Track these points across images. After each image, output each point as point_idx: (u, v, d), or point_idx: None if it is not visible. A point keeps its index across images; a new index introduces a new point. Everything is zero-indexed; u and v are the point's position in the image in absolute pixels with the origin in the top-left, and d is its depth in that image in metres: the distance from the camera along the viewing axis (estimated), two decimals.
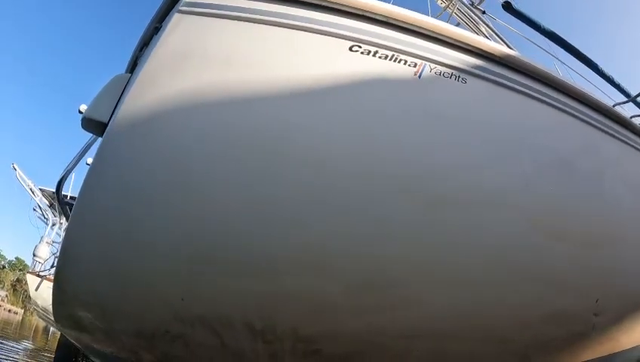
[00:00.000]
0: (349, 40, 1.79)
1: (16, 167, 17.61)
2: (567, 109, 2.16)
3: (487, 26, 3.67)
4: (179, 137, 1.65)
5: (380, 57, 1.78)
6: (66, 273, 1.76)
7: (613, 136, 2.37)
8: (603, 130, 2.31)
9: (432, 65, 1.83)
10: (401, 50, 1.81)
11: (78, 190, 1.79)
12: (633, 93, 3.84)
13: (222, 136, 1.64)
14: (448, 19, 3.69)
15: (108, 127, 1.73)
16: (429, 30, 1.90)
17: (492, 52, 1.99)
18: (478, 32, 3.99)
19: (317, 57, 1.77)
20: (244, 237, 1.61)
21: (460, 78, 1.87)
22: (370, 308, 1.70)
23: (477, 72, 1.93)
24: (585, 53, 3.72)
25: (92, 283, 1.73)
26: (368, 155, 1.67)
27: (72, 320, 1.94)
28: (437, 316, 1.78)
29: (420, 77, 1.78)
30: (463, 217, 1.73)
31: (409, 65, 1.79)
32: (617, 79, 4.07)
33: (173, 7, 1.91)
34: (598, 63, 3.88)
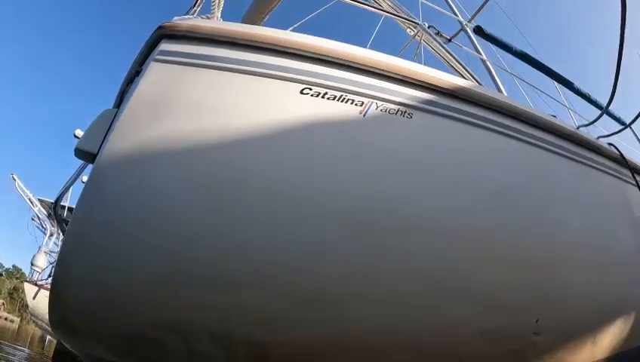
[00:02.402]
0: (301, 83, 1.97)
1: (15, 177, 17.86)
2: (521, 136, 2.27)
3: (453, 56, 3.87)
4: (153, 174, 1.89)
5: (328, 98, 1.96)
6: (62, 282, 1.99)
7: (572, 159, 2.48)
8: (560, 154, 2.42)
9: (379, 103, 1.99)
10: (348, 90, 1.98)
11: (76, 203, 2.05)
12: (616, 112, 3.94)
13: (189, 176, 1.87)
14: (417, 48, 3.89)
15: (96, 160, 1.97)
16: (376, 68, 2.05)
17: (438, 84, 2.12)
18: (451, 62, 4.16)
19: (271, 102, 1.95)
20: (206, 259, 1.83)
21: (406, 114, 2.02)
22: (310, 321, 1.89)
23: (423, 105, 2.07)
24: (558, 71, 3.84)
25: (83, 291, 1.95)
26: (313, 191, 1.85)
27: (66, 325, 2.16)
28: (370, 331, 1.94)
29: (364, 115, 1.95)
30: (396, 242, 1.90)
31: (355, 104, 1.96)
32: (594, 96, 4.17)
33: (150, 53, 2.14)
34: (574, 82, 4.00)
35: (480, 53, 3.89)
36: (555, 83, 3.75)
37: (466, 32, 3.89)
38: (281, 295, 1.86)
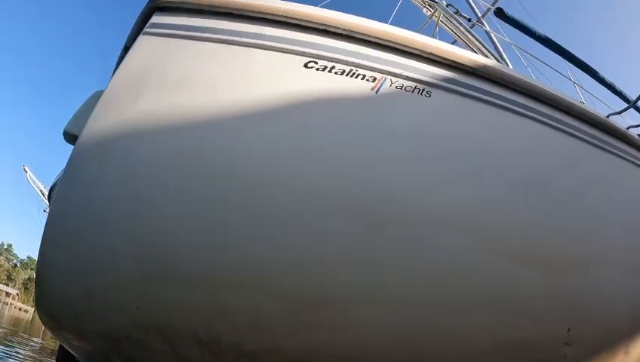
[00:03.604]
0: (305, 56, 1.77)
1: (27, 169, 17.93)
2: (549, 121, 2.06)
3: (475, 36, 3.62)
4: (131, 159, 1.71)
5: (336, 73, 1.75)
6: (43, 274, 1.86)
7: (603, 148, 2.26)
8: (591, 143, 2.20)
9: (393, 79, 1.78)
10: (359, 64, 1.78)
11: None
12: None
13: (171, 160, 1.67)
14: (435, 28, 3.67)
15: (76, 142, 1.79)
16: (391, 41, 1.85)
17: (461, 62, 1.91)
18: (470, 43, 3.94)
19: (271, 75, 1.75)
20: (189, 253, 1.64)
21: (424, 92, 1.80)
22: (308, 327, 1.68)
23: (443, 84, 1.85)
24: (583, 59, 3.62)
25: (64, 286, 1.81)
26: (316, 177, 1.65)
27: (50, 319, 2.05)
28: (377, 340, 1.72)
29: (377, 92, 1.74)
30: (409, 239, 1.67)
31: (367, 80, 1.75)
32: (619, 86, 3.95)
33: (142, 27, 1.96)
34: (598, 70, 3.77)
35: (502, 35, 3.65)
36: (569, 70, 3.48)
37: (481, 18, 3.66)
38: (274, 297, 1.65)
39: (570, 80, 4.02)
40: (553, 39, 3.52)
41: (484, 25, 3.67)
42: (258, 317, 1.66)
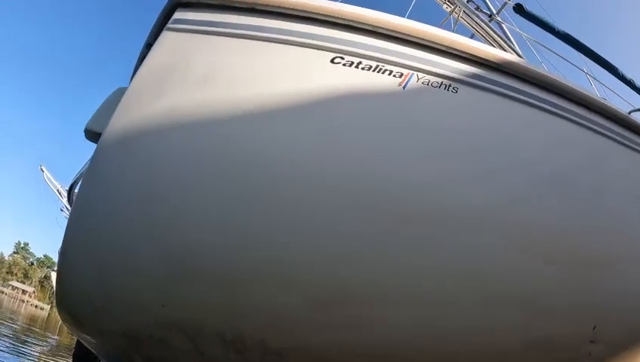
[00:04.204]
0: (332, 51, 1.75)
1: (43, 168, 18.17)
2: (573, 118, 2.03)
3: (495, 31, 3.59)
4: (156, 153, 1.70)
5: (363, 68, 1.73)
6: (64, 272, 1.87)
7: (626, 145, 2.22)
8: (614, 139, 2.17)
9: (420, 75, 1.76)
10: (386, 60, 1.76)
11: None
12: None
13: (194, 157, 1.67)
14: (454, 24, 3.63)
15: (99, 139, 1.79)
16: (418, 37, 1.83)
17: (487, 58, 1.89)
18: (490, 38, 3.90)
19: (297, 71, 1.74)
20: (213, 251, 1.63)
21: (451, 88, 1.79)
22: (333, 325, 1.66)
23: (470, 80, 1.84)
24: (603, 55, 3.56)
25: (84, 283, 1.81)
26: (342, 173, 1.63)
27: (71, 317, 2.06)
28: (401, 338, 1.71)
29: (404, 88, 1.72)
30: (436, 236, 1.66)
31: (394, 75, 1.73)
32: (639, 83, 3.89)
33: (164, 25, 1.95)
34: (618, 67, 3.71)
35: (520, 31, 3.60)
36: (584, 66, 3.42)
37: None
38: (298, 294, 1.63)
39: (591, 76, 3.95)
40: (573, 35, 3.46)
41: (503, 21, 3.61)
42: (282, 315, 1.65)
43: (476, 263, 1.70)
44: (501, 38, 3.60)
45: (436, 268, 1.67)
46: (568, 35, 3.44)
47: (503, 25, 3.29)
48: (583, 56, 3.58)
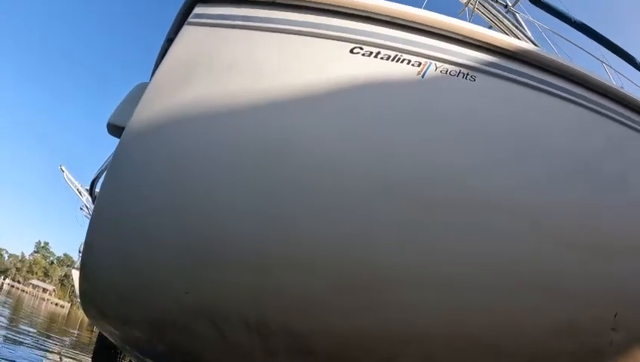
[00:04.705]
0: (350, 42, 1.78)
1: (63, 168, 18.54)
2: (591, 105, 2.03)
3: (511, 21, 3.58)
4: (181, 143, 1.74)
5: (382, 58, 1.76)
6: (89, 265, 1.91)
7: None
8: (633, 128, 2.15)
9: (438, 64, 1.78)
10: (404, 49, 1.78)
11: None
12: None
13: (221, 143, 1.71)
14: (470, 15, 3.63)
15: (123, 132, 1.84)
16: (435, 27, 1.85)
17: (504, 47, 1.90)
18: (505, 29, 3.88)
19: (317, 61, 1.77)
20: (240, 236, 1.66)
21: (469, 76, 1.81)
22: (357, 309, 1.68)
23: (487, 68, 1.85)
24: (620, 45, 3.53)
25: (109, 274, 1.86)
26: (364, 159, 1.65)
27: (95, 309, 2.12)
28: (426, 322, 1.73)
29: (423, 76, 1.74)
30: (458, 220, 1.67)
31: (412, 64, 1.76)
32: None
33: (184, 20, 2.00)
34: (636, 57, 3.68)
35: (537, 22, 3.58)
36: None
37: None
38: (325, 278, 1.66)
39: (607, 65, 3.91)
40: (589, 25, 3.43)
41: (518, 12, 3.59)
42: (307, 299, 1.68)
43: (500, 248, 1.71)
44: (517, 29, 3.59)
45: (459, 252, 1.69)
46: (584, 24, 3.41)
47: (518, 15, 3.28)
48: (598, 46, 3.55)
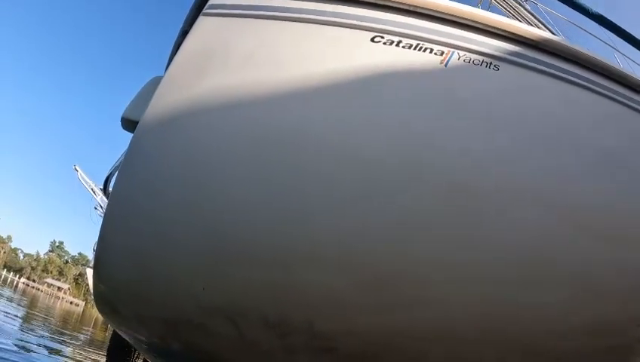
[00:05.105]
0: (371, 31, 1.74)
1: (77, 168, 18.74)
2: (617, 97, 1.96)
3: (530, 12, 3.50)
4: (197, 136, 1.71)
5: (403, 47, 1.71)
6: (102, 261, 1.90)
7: None
8: None
9: (461, 53, 1.74)
10: (426, 38, 1.74)
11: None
12: None
13: (239, 135, 1.67)
14: (489, 6, 3.56)
15: (137, 127, 1.81)
16: (457, 16, 1.80)
17: (527, 36, 1.86)
18: (523, 20, 3.81)
19: (337, 51, 1.73)
20: (260, 230, 1.62)
21: (492, 65, 1.75)
22: (384, 307, 1.64)
23: (511, 57, 1.80)
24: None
25: (123, 270, 1.84)
26: (387, 150, 1.61)
27: (108, 306, 2.09)
28: (456, 318, 1.67)
29: (446, 65, 1.70)
30: (489, 211, 1.62)
31: (435, 53, 1.71)
32: None
33: (200, 10, 1.96)
34: None
35: (556, 13, 3.50)
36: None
37: None
38: (349, 274, 1.60)
39: (628, 58, 3.82)
40: (607, 17, 3.34)
41: (537, 2, 3.52)
42: (330, 296, 1.63)
43: (530, 241, 1.66)
44: (536, 19, 3.52)
45: (487, 246, 1.63)
46: (602, 16, 3.32)
47: (538, 5, 3.21)
48: (616, 39, 3.46)
